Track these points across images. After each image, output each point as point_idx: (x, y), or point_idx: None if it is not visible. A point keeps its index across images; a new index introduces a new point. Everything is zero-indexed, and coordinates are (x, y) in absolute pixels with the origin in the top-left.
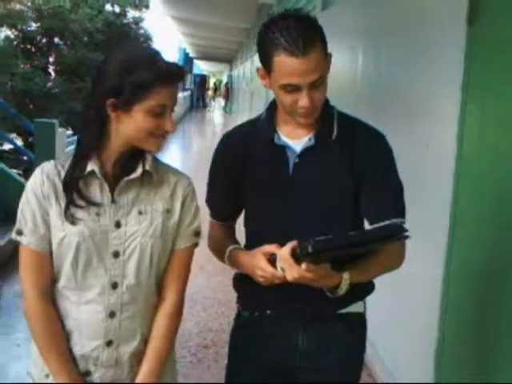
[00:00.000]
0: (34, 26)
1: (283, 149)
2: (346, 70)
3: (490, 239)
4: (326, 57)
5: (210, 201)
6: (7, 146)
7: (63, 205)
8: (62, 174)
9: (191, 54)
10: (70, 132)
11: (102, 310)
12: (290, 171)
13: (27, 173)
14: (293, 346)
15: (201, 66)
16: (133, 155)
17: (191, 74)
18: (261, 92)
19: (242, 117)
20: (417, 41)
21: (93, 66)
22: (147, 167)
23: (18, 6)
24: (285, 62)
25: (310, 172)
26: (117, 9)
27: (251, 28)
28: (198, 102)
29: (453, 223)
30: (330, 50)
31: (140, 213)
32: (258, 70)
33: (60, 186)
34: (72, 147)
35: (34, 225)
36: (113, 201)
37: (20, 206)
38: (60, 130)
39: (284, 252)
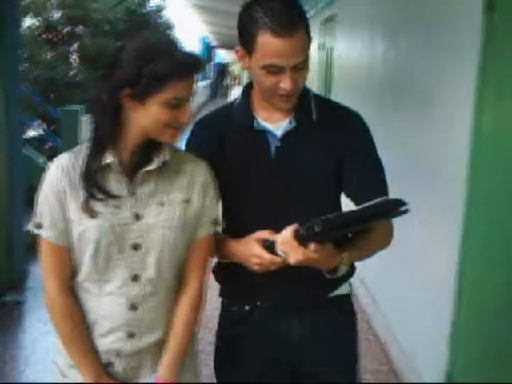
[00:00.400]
0: (56, 15)
1: (263, 133)
2: (366, 57)
3: (506, 223)
4: (309, 41)
5: None
6: (31, 134)
7: (81, 198)
8: (78, 166)
9: (213, 43)
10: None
11: (124, 302)
12: (272, 156)
13: (52, 159)
14: (288, 336)
15: (222, 55)
16: (150, 145)
17: (213, 63)
18: None
19: None
20: (435, 28)
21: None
22: (165, 157)
23: None
24: (269, 42)
25: (292, 156)
26: None
27: None
28: (218, 91)
29: (468, 208)
30: (350, 37)
31: (159, 204)
32: (236, 50)
33: (76, 180)
34: None
35: (52, 219)
36: (131, 192)
37: (37, 199)
38: (84, 117)
39: (286, 235)
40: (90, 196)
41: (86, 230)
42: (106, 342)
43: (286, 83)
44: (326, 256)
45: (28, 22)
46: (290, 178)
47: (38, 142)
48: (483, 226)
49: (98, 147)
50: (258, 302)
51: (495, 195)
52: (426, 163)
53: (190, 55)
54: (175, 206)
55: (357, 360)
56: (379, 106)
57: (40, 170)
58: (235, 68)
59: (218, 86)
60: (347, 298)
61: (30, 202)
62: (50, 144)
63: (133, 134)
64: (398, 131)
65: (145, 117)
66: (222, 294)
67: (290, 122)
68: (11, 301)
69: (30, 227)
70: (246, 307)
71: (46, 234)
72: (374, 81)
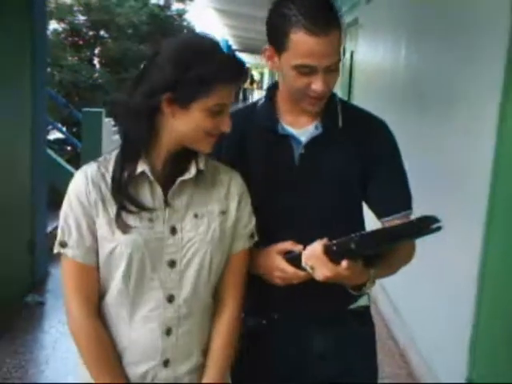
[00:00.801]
0: (81, 19)
1: (287, 138)
2: (389, 61)
3: None
4: (341, 40)
5: None
6: (52, 136)
7: (112, 212)
8: (107, 176)
9: (233, 47)
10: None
11: (158, 326)
12: (296, 163)
13: (72, 162)
14: (310, 350)
15: (243, 59)
16: (185, 153)
17: None
18: None
19: None
20: (459, 32)
21: (136, 57)
22: (201, 166)
23: (68, 1)
24: (303, 40)
25: (317, 163)
26: (161, 1)
27: None
28: (238, 95)
29: (490, 216)
30: (374, 41)
31: (196, 216)
32: (264, 49)
33: (107, 191)
34: (118, 136)
35: (79, 235)
36: (166, 204)
37: (62, 214)
38: (106, 119)
39: (316, 249)
40: (123, 209)
41: (118, 247)
42: (139, 371)
43: (317, 85)
44: (355, 273)
45: (52, 26)
46: (314, 187)
47: (59, 145)
48: (504, 234)
49: (131, 155)
50: (276, 316)
51: None
52: (449, 170)
53: (236, 59)
54: (212, 217)
55: (377, 370)
56: (402, 112)
57: (61, 173)
58: (255, 73)
59: (239, 90)
60: (366, 310)
61: (51, 204)
62: (71, 147)
63: (167, 141)
64: (421, 137)
65: (185, 123)
66: None
67: (316, 128)
68: (32, 302)
69: (55, 249)
70: (264, 321)
71: (73, 254)
72: (396, 85)
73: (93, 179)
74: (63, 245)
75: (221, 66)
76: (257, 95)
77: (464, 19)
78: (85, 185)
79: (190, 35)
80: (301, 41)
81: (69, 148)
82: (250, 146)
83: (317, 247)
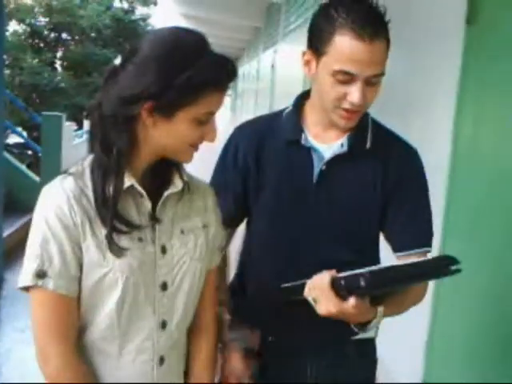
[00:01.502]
0: (42, 20)
1: (309, 151)
2: None
3: (482, 240)
4: (387, 55)
5: None
6: (12, 140)
7: (100, 233)
8: (87, 191)
9: None
10: (75, 127)
11: (150, 358)
12: (315, 179)
13: (32, 167)
14: (303, 377)
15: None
16: (165, 164)
17: None
18: (265, 91)
19: (247, 115)
20: (417, 39)
21: (100, 61)
22: (185, 178)
23: (28, 2)
24: (348, 44)
25: (337, 183)
26: (125, 5)
27: (261, 27)
28: None
29: (445, 222)
30: None
31: (182, 232)
32: (303, 53)
33: (91, 209)
34: (78, 140)
35: (63, 263)
36: (153, 221)
37: (36, 239)
38: (67, 123)
39: (322, 282)
40: (113, 229)
41: (110, 272)
42: None
43: (354, 96)
44: (361, 311)
45: (12, 27)
46: (329, 208)
47: (18, 149)
48: (460, 241)
49: (112, 168)
50: (270, 338)
51: (475, 211)
52: None
53: (227, 60)
54: (198, 232)
55: None
56: None
57: (20, 178)
58: None
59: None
60: (371, 343)
61: (7, 209)
62: (31, 152)
63: (147, 151)
64: None
65: (167, 134)
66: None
67: (342, 145)
68: None
69: (29, 281)
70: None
71: (55, 285)
72: None
73: (75, 196)
74: (41, 275)
75: (213, 68)
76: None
77: (420, 27)
78: (67, 204)
79: (174, 30)
80: (345, 44)
81: (29, 152)
82: (269, 155)
83: (324, 279)
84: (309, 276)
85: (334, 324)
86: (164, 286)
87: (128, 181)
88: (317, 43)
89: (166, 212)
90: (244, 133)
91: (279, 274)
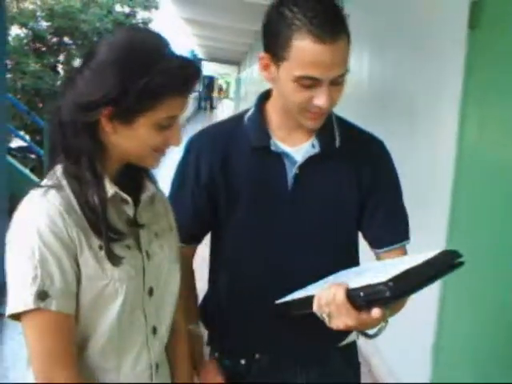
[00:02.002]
0: (44, 25)
1: (279, 157)
2: (353, 71)
3: (488, 240)
4: (349, 51)
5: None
6: (15, 144)
7: (95, 245)
8: (73, 201)
9: (199, 56)
10: None
11: (148, 366)
12: (289, 185)
13: (35, 171)
14: None
15: (208, 68)
16: (134, 169)
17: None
18: None
19: None
20: (420, 44)
21: None
22: (155, 181)
23: (30, 6)
24: (309, 48)
25: (312, 186)
26: (126, 9)
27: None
28: (206, 104)
29: (450, 224)
30: None
31: (156, 235)
32: (260, 57)
33: (82, 221)
34: None
35: (64, 281)
36: (137, 227)
37: (28, 258)
38: None
39: (338, 297)
40: (110, 238)
41: (110, 284)
42: None
43: (321, 99)
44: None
45: (14, 31)
46: (307, 211)
47: (21, 153)
48: (466, 244)
49: (91, 178)
50: (257, 355)
51: (480, 212)
52: (410, 178)
53: (189, 63)
54: (167, 234)
55: None
56: (365, 123)
57: (23, 182)
58: (222, 82)
59: (206, 99)
60: (353, 346)
61: (9, 213)
62: (35, 155)
63: (113, 158)
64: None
65: (129, 140)
66: (210, 343)
67: (313, 146)
68: None
69: (31, 303)
70: (242, 361)
71: (57, 305)
72: (360, 96)
73: (65, 209)
74: (43, 297)
75: (172, 72)
76: (225, 104)
77: (425, 29)
78: (60, 218)
79: (132, 32)
80: (306, 49)
81: (32, 156)
82: (236, 165)
83: (338, 294)
84: (296, 285)
85: (319, 333)
86: (151, 292)
87: (110, 188)
88: (274, 48)
89: (142, 217)
90: (204, 142)
91: (263, 288)
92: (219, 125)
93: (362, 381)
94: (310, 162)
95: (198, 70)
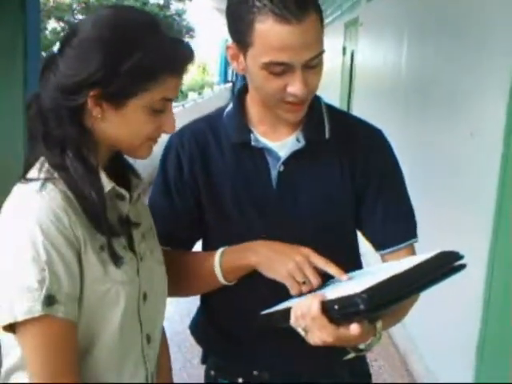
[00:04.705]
0: (80, 18)
1: (262, 153)
2: (391, 60)
3: None
4: (322, 28)
5: (160, 224)
6: None
7: (97, 244)
8: (70, 195)
9: None
10: None
11: (144, 376)
12: (274, 183)
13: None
14: None
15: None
16: (119, 162)
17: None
18: None
19: None
20: (465, 32)
21: None
22: (140, 176)
23: (67, 0)
24: (273, 30)
25: (299, 183)
26: (161, 1)
27: None
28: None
29: (497, 220)
30: (375, 41)
31: (143, 236)
32: (227, 47)
33: (83, 217)
34: None
35: (72, 285)
36: (133, 226)
37: (38, 261)
38: None
39: (312, 309)
40: (110, 237)
41: (113, 287)
42: None
43: (295, 86)
44: (363, 334)
45: (51, 25)
46: (297, 213)
47: None
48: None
49: (84, 172)
50: (255, 372)
51: None
52: (453, 169)
53: (182, 43)
54: (151, 234)
55: None
56: (404, 113)
57: None
58: None
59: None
60: (362, 358)
61: None
62: None
63: (101, 149)
64: (424, 138)
65: (118, 126)
66: (205, 361)
67: (298, 140)
68: None
69: (41, 310)
70: (240, 380)
71: (65, 312)
72: (398, 86)
73: (68, 203)
74: (51, 302)
75: (166, 49)
76: None
77: (468, 18)
78: (65, 215)
79: (120, 9)
80: (270, 31)
81: None
82: (217, 163)
83: (312, 305)
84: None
85: (323, 348)
86: (145, 296)
87: (107, 184)
88: (239, 35)
89: (131, 215)
90: (184, 139)
91: (259, 296)
92: (200, 120)
93: (401, 381)
94: (295, 157)
95: (191, 51)
